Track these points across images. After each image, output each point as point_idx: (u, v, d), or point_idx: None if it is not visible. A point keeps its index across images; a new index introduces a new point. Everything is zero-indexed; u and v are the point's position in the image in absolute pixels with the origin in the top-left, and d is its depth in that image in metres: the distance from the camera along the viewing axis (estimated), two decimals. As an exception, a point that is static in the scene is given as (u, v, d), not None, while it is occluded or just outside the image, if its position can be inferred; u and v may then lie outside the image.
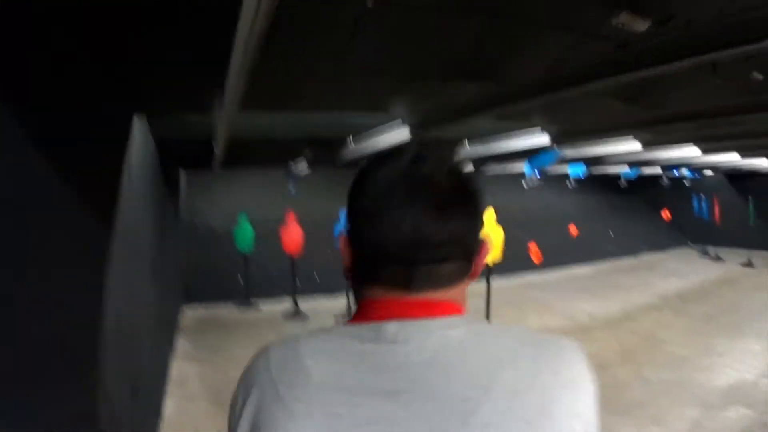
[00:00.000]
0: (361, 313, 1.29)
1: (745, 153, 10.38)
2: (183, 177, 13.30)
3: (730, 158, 10.49)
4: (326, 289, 14.69)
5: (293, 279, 13.38)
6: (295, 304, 13.34)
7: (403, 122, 6.42)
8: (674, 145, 9.80)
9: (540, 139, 7.88)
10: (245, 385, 1.26)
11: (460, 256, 1.26)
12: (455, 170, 1.29)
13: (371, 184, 1.26)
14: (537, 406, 1.10)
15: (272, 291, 14.38)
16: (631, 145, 8.74)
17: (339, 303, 13.64)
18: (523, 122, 7.45)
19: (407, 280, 1.23)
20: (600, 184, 20.93)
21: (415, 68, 4.46)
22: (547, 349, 1.20)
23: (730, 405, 7.11)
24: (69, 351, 2.76)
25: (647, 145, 8.84)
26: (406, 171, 1.25)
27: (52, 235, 2.63)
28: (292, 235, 13.03)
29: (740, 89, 4.98)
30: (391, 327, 1.20)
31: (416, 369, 1.15)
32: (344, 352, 1.20)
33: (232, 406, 1.26)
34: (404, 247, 1.20)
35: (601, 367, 9.24)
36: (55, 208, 2.72)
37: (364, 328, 1.23)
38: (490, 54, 4.28)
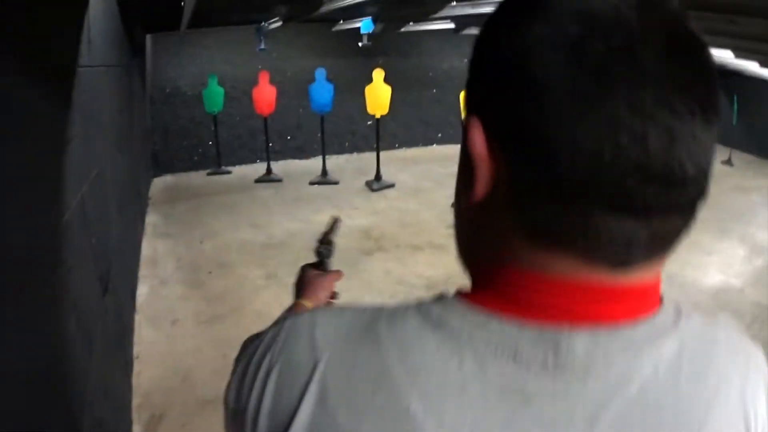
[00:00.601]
0: (511, 297, 0.76)
1: (739, 54, 10.09)
2: (149, 40, 12.73)
3: (723, 55, 10.16)
4: (299, 151, 14.64)
5: (266, 141, 13.14)
6: (268, 167, 13.09)
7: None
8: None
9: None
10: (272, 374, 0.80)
11: (701, 197, 0.74)
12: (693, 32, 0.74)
13: (580, 25, 0.69)
14: None
15: (243, 155, 14.33)
16: None
17: (313, 165, 13.57)
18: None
19: (627, 247, 0.72)
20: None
21: None
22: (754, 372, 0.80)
23: (719, 310, 6.97)
24: (25, 252, 2.38)
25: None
26: (652, 21, 0.69)
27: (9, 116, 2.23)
28: (265, 96, 12.76)
29: None
30: (580, 344, 0.72)
31: (615, 421, 0.71)
32: (486, 387, 0.72)
33: (243, 375, 0.85)
34: (645, 178, 0.67)
35: None
36: (10, 83, 2.30)
37: (526, 338, 0.73)
38: None
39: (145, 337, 6.39)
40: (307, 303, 1.75)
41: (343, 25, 12.54)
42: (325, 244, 2.04)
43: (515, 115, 0.72)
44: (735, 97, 14.20)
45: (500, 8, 0.80)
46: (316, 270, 1.95)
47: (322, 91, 12.80)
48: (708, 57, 0.72)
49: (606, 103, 0.65)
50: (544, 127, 0.68)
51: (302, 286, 1.86)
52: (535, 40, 0.70)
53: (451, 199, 0.91)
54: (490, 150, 0.75)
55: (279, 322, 0.92)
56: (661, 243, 0.74)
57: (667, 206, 0.70)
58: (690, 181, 0.69)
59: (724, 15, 5.30)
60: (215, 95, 13.43)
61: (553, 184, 0.70)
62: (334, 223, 2.12)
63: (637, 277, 0.75)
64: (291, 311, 1.66)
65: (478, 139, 0.76)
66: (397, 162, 14.77)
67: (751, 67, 12.12)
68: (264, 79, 12.94)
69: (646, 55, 0.66)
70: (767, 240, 9.45)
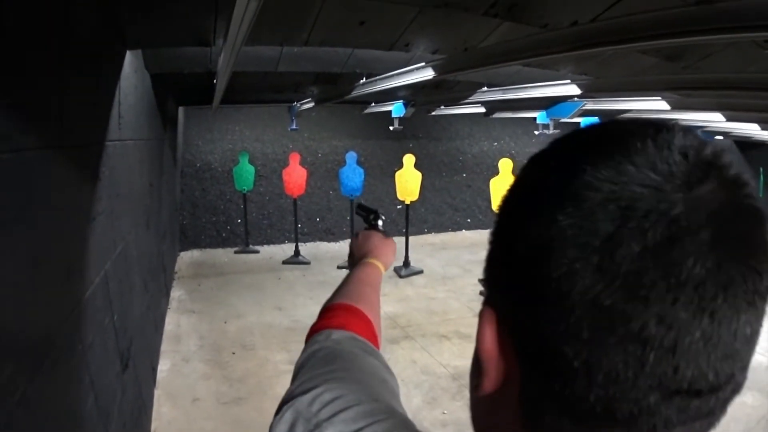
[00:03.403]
0: None
1: (765, 126, 10.08)
2: (181, 114, 12.91)
3: (750, 128, 10.13)
4: (328, 233, 14.67)
5: (294, 222, 13.21)
6: (296, 248, 13.12)
7: (426, 63, 5.94)
8: (700, 110, 9.43)
9: (567, 89, 7.41)
10: None
11: (735, 394, 0.65)
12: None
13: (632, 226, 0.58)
14: None
15: (272, 235, 14.43)
16: (657, 105, 8.28)
17: (341, 248, 13.58)
18: (550, 71, 7.04)
19: None
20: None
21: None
22: None
23: (746, 390, 6.77)
24: (44, 329, 2.33)
25: (674, 107, 8.40)
26: (722, 213, 0.59)
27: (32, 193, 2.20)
28: (295, 177, 12.88)
29: None
30: None
31: None
32: None
33: None
34: (669, 394, 0.59)
35: None
36: (34, 159, 2.28)
37: None
38: None
39: (164, 414, 6.31)
40: (378, 263, 1.84)
41: (375, 108, 12.61)
42: (374, 211, 2.11)
43: (530, 320, 0.64)
44: (762, 170, 14.11)
45: (528, 180, 0.72)
46: (377, 232, 2.00)
47: (352, 175, 12.88)
48: (764, 237, 0.61)
49: (633, 320, 0.57)
50: (560, 341, 0.61)
51: (371, 246, 1.91)
52: (559, 234, 0.61)
53: (478, 287, 0.88)
54: (503, 346, 0.69)
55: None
56: None
57: (693, 416, 0.62)
58: (724, 385, 0.61)
59: (750, 92, 5.28)
60: (246, 173, 13.52)
61: (566, 400, 0.63)
62: (376, 213, 2.13)
63: None
64: (362, 267, 1.82)
65: (489, 337, 0.70)
66: (425, 247, 14.74)
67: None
68: (294, 160, 13.05)
69: (686, 253, 0.56)
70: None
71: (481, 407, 0.76)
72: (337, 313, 1.49)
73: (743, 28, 2.93)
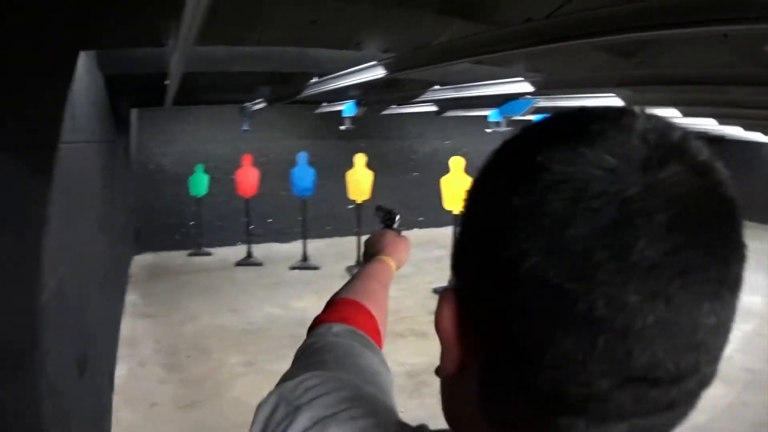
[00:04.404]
0: None
1: (722, 120, 10.22)
2: (134, 116, 12.85)
3: (706, 123, 10.28)
4: (280, 234, 14.67)
5: (247, 223, 13.20)
6: (249, 250, 13.13)
7: (378, 62, 5.93)
8: (655, 106, 9.55)
9: (520, 87, 7.44)
10: None
11: (705, 387, 0.64)
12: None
13: (604, 207, 0.57)
14: None
15: (224, 236, 14.43)
16: (611, 101, 8.35)
17: (293, 249, 13.61)
18: (502, 68, 7.06)
19: None
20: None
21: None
22: None
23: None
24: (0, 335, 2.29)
25: (629, 103, 8.49)
26: (699, 193, 0.59)
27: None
28: (248, 178, 12.98)
29: (744, 59, 4.61)
30: None
31: None
32: None
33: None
34: (622, 381, 0.58)
35: None
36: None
37: None
38: None
39: (123, 419, 6.26)
40: (391, 261, 1.84)
41: (326, 108, 12.60)
42: (390, 211, 2.13)
43: (484, 301, 0.66)
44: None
45: (488, 165, 0.72)
46: (392, 231, 2.03)
47: (303, 175, 12.94)
48: (734, 226, 0.61)
49: (580, 300, 0.57)
50: (512, 321, 0.62)
51: (384, 244, 1.92)
52: (512, 215, 0.61)
53: (432, 284, 0.88)
54: (462, 328, 0.70)
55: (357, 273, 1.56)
56: None
57: (652, 407, 0.61)
58: (687, 376, 0.60)
59: (709, 86, 5.33)
60: (200, 182, 13.68)
61: (522, 382, 0.63)
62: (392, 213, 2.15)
63: None
64: (373, 263, 1.81)
65: (446, 316, 0.71)
66: (378, 246, 14.60)
67: (734, 131, 12.26)
68: (247, 161, 13.09)
69: (638, 235, 0.56)
70: (755, 305, 9.58)
71: (446, 388, 0.79)
72: (340, 307, 1.50)
73: (706, 22, 2.95)
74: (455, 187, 11.44)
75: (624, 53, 5.31)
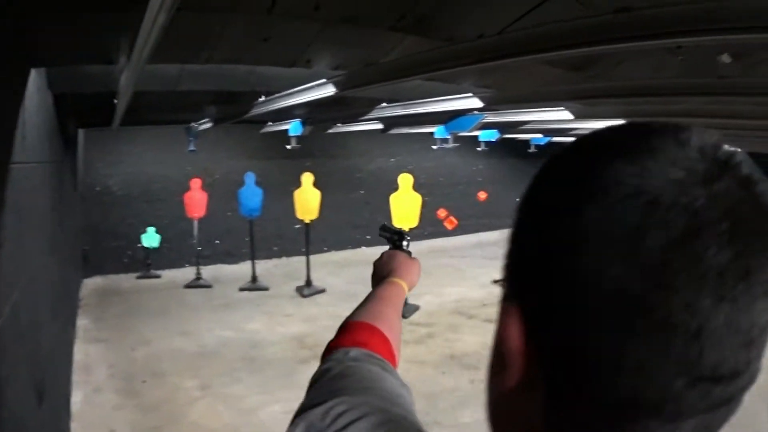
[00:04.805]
0: None
1: None
2: (81, 136, 12.66)
3: None
4: (228, 255, 14.53)
5: (196, 245, 13.13)
6: (197, 272, 13.03)
7: (328, 80, 5.87)
8: (605, 119, 9.65)
9: (469, 103, 7.44)
10: None
11: (752, 383, 0.66)
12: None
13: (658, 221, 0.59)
14: None
15: (172, 258, 14.27)
16: (560, 115, 8.39)
17: (242, 270, 13.53)
18: (451, 84, 7.05)
19: None
20: (508, 148, 20.84)
21: (345, 12, 3.96)
22: None
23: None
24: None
25: (578, 116, 8.54)
26: (737, 205, 0.61)
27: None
28: (196, 201, 12.90)
29: (699, 69, 4.66)
30: None
31: None
32: None
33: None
34: (693, 380, 0.60)
35: None
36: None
37: None
38: (437, 5, 3.88)
39: (82, 447, 6.11)
40: (403, 283, 1.84)
41: (272, 127, 12.53)
42: (398, 232, 2.14)
43: (557, 313, 0.65)
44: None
45: (547, 180, 0.73)
46: (402, 252, 2.02)
47: (251, 195, 12.88)
48: None
49: (661, 307, 0.59)
50: (588, 330, 0.63)
51: (394, 265, 1.91)
52: (586, 227, 0.62)
53: None
54: (528, 343, 0.69)
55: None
56: None
57: (716, 403, 0.63)
58: (741, 372, 0.62)
59: (660, 97, 5.38)
60: (152, 238, 13.74)
61: (593, 390, 0.64)
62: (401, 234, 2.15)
63: None
64: (385, 286, 1.81)
65: (514, 333, 0.70)
66: (326, 266, 14.73)
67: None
68: (196, 185, 13.01)
69: (708, 244, 0.58)
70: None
71: (503, 402, 0.76)
72: (354, 331, 1.50)
73: (660, 35, 2.95)
74: (404, 204, 11.42)
75: (577, 66, 5.32)
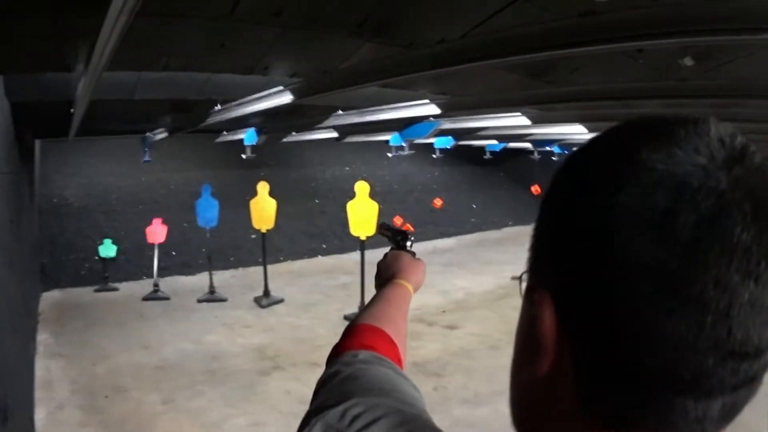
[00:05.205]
0: None
1: None
2: (37, 147, 12.48)
3: None
4: (185, 266, 14.39)
5: (153, 257, 13.07)
6: (155, 284, 12.93)
7: (285, 87, 5.83)
8: (562, 123, 9.70)
9: (426, 109, 7.43)
10: None
11: None
12: None
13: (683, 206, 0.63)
14: None
15: (130, 270, 14.13)
16: (517, 121, 8.42)
17: (200, 281, 13.45)
18: (408, 91, 7.04)
19: (700, 427, 0.68)
20: (464, 156, 20.93)
21: (306, 17, 3.91)
22: None
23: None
24: None
25: (536, 121, 8.58)
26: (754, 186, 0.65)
27: None
28: (157, 234, 13.13)
29: (661, 73, 4.74)
30: None
31: None
32: None
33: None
34: (724, 356, 0.63)
35: (493, 348, 9.45)
36: None
37: None
38: (397, 10, 3.85)
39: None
40: (408, 284, 1.82)
41: (227, 137, 12.46)
42: (402, 231, 2.09)
43: (592, 293, 0.67)
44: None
45: (575, 171, 0.76)
46: (406, 253, 2.00)
47: (208, 206, 12.84)
48: None
49: (694, 283, 0.61)
50: (624, 309, 0.65)
51: (399, 267, 1.90)
52: (620, 210, 0.65)
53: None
54: (559, 328, 0.72)
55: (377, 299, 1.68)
56: (730, 416, 0.70)
57: (741, 381, 0.66)
58: (764, 351, 0.65)
59: (618, 101, 5.42)
60: (109, 249, 13.56)
61: (629, 369, 0.66)
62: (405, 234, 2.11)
63: None
64: (390, 288, 1.80)
65: (548, 318, 0.72)
66: (283, 276, 14.62)
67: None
68: (157, 222, 13.14)
69: (734, 222, 0.62)
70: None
71: (535, 390, 0.77)
72: (361, 333, 1.50)
73: (624, 38, 2.95)
74: (361, 212, 11.41)
75: (536, 72, 5.33)
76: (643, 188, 0.64)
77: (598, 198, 0.68)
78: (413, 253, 2.00)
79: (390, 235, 2.10)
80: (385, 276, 1.88)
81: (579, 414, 0.72)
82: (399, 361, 1.46)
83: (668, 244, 0.62)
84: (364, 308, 1.70)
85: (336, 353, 1.41)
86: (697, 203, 0.62)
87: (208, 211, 12.83)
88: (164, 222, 13.20)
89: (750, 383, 0.67)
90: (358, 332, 1.50)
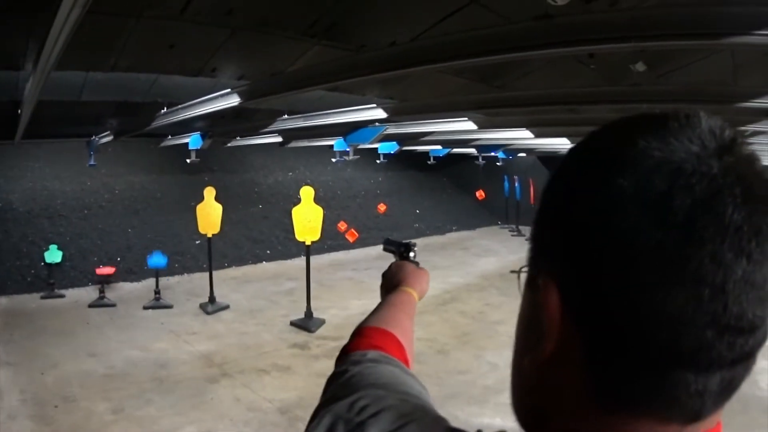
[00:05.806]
0: None
1: (575, 139, 10.58)
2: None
3: (559, 143, 10.62)
4: (129, 272, 14.22)
5: (97, 263, 13.01)
6: (101, 290, 12.78)
7: (232, 90, 5.79)
8: (508, 128, 9.76)
9: (373, 114, 7.43)
10: None
11: (763, 342, 0.74)
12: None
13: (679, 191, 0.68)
14: None
15: (75, 277, 13.97)
16: (463, 125, 8.46)
17: (145, 287, 13.36)
18: (354, 96, 7.03)
19: (701, 401, 0.71)
20: (408, 161, 20.99)
21: (256, 17, 3.90)
22: None
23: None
24: None
25: (482, 126, 8.62)
26: (743, 173, 0.71)
27: None
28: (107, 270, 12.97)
29: (612, 78, 4.82)
30: None
31: None
32: None
33: None
34: (721, 330, 0.68)
35: (441, 353, 9.49)
36: None
37: None
38: (349, 12, 3.85)
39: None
40: (413, 292, 1.87)
41: (172, 141, 12.35)
42: (404, 244, 2.15)
43: (596, 276, 0.71)
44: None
45: (575, 160, 0.81)
46: (410, 263, 2.05)
47: (158, 259, 12.81)
48: None
49: (692, 260, 0.66)
50: (629, 290, 0.69)
51: (404, 276, 1.95)
52: (620, 195, 0.70)
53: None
54: (563, 311, 0.75)
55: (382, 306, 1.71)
56: (728, 392, 0.74)
57: (738, 355, 0.70)
58: (758, 327, 0.70)
59: (566, 106, 5.46)
60: (55, 255, 13.43)
61: (632, 346, 0.70)
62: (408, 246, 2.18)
63: (703, 428, 0.75)
64: (396, 294, 1.85)
65: (553, 302, 0.75)
66: (228, 281, 14.55)
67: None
68: (111, 269, 13.23)
69: (726, 203, 0.67)
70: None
71: (538, 376, 0.80)
72: (370, 335, 1.52)
73: (578, 42, 2.98)
74: (306, 217, 11.38)
75: (484, 76, 5.35)
76: (641, 173, 0.70)
77: (599, 183, 0.72)
78: (417, 263, 2.05)
79: (394, 249, 2.17)
80: (390, 285, 1.94)
81: (581, 395, 0.74)
82: (406, 362, 1.48)
83: (666, 224, 0.67)
84: (372, 312, 1.73)
85: (345, 353, 1.43)
86: (691, 187, 0.67)
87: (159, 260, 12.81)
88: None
89: (746, 359, 0.71)
90: (366, 334, 1.53)
